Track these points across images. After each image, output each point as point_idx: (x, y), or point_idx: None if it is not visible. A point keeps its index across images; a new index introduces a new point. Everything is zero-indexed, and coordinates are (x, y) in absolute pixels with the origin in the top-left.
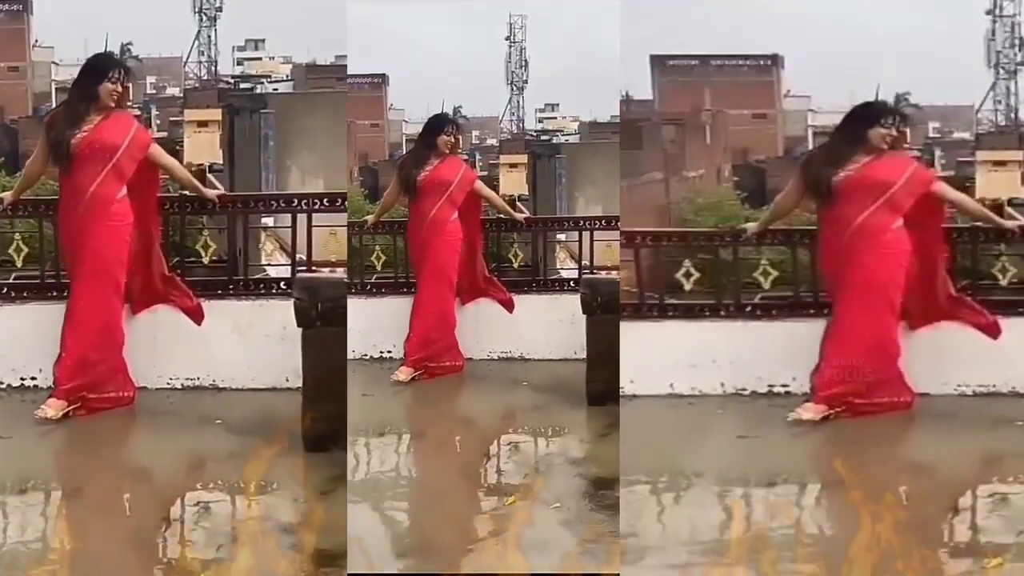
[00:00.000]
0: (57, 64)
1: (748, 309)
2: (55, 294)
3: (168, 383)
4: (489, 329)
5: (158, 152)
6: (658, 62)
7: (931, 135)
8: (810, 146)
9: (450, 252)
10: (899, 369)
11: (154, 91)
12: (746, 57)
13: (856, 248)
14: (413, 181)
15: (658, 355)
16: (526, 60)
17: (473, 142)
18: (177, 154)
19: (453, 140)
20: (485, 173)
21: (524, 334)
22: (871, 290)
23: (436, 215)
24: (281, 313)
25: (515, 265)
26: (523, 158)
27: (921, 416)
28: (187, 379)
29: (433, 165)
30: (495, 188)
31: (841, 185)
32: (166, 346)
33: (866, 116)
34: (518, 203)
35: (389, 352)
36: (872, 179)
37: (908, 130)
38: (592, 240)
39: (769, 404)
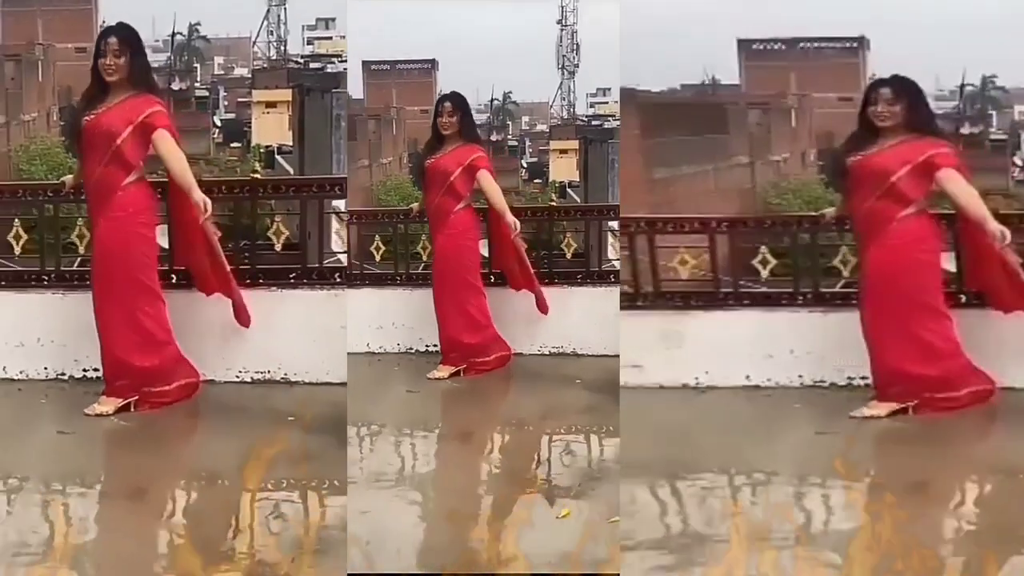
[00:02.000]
0: None
1: (828, 297)
2: None
3: (237, 376)
4: (539, 322)
5: (159, 138)
6: (745, 46)
7: (1017, 118)
8: None
9: (454, 246)
10: (963, 361)
11: (222, 72)
12: (832, 40)
13: (862, 240)
14: (421, 169)
15: (733, 345)
16: (577, 44)
17: (523, 128)
18: (244, 135)
19: (450, 121)
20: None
21: (577, 327)
22: (879, 284)
23: (438, 206)
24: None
25: (568, 255)
26: (574, 144)
27: (1008, 412)
28: (256, 372)
29: (442, 152)
30: (544, 175)
31: (850, 174)
32: (236, 336)
33: (866, 96)
34: (568, 190)
35: (436, 346)
36: (871, 167)
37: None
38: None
39: (849, 397)
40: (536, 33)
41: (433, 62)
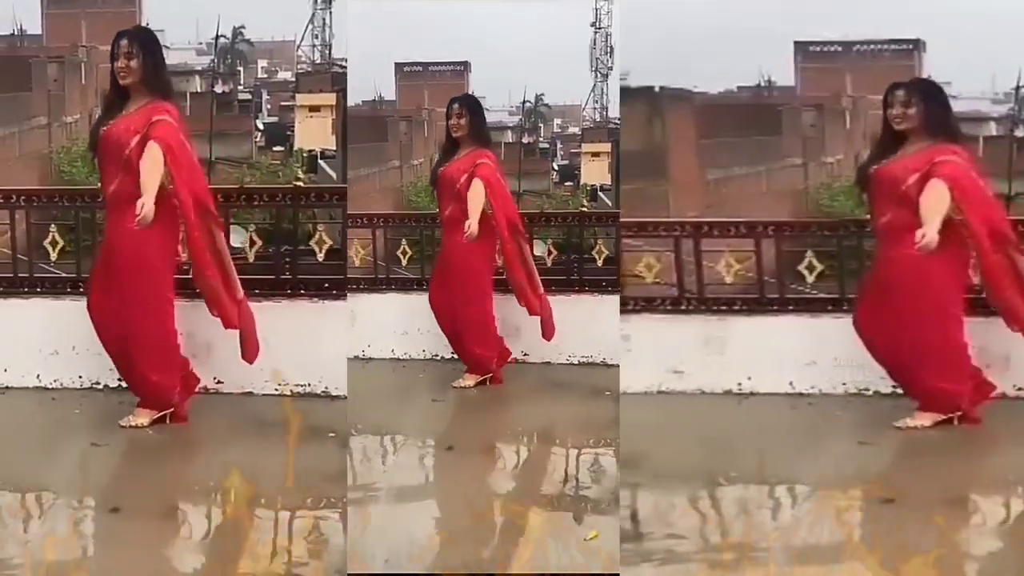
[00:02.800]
0: (168, 48)
1: None
2: None
3: (276, 389)
4: (569, 331)
5: (146, 149)
6: (801, 47)
7: None
8: None
9: (461, 256)
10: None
11: (266, 75)
12: (888, 42)
13: (882, 251)
14: (435, 176)
15: (777, 351)
16: (611, 46)
17: (555, 130)
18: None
19: (459, 123)
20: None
21: (607, 337)
22: (902, 295)
23: (450, 214)
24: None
25: (599, 263)
26: (606, 147)
27: None
28: (296, 384)
29: (453, 159)
30: (575, 178)
31: (870, 183)
32: (277, 348)
33: (884, 99)
34: (600, 193)
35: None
36: (885, 177)
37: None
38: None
39: (894, 405)
40: (569, 35)
41: (466, 64)
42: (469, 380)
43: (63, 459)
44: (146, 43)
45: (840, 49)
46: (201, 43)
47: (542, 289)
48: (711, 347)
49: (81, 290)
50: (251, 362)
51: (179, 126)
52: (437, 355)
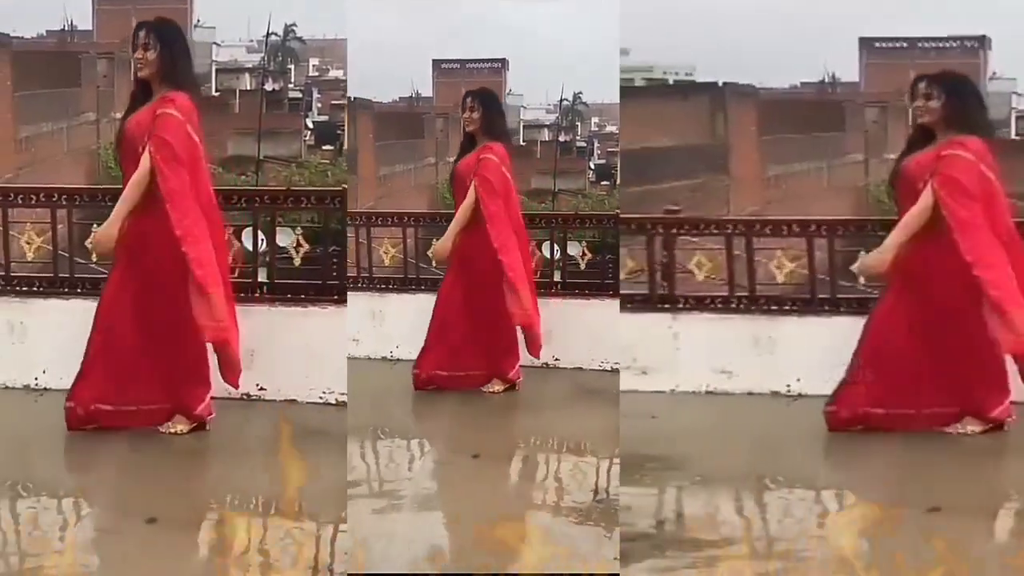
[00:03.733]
0: (218, 45)
1: None
2: None
3: (320, 397)
4: (603, 336)
5: (142, 159)
6: (866, 44)
7: None
8: (1013, 129)
9: (479, 256)
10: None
11: (317, 74)
12: (954, 39)
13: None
14: (451, 173)
15: (827, 352)
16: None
17: (592, 129)
18: None
19: (471, 117)
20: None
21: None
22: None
23: (487, 212)
24: None
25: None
26: None
27: None
28: (341, 394)
29: (468, 155)
30: (612, 177)
31: (898, 180)
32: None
33: (911, 91)
34: None
35: None
36: (905, 174)
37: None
38: None
39: None
40: (608, 33)
41: (503, 61)
42: (498, 385)
43: (102, 466)
44: (164, 34)
45: (905, 45)
46: (252, 40)
47: (534, 301)
48: (760, 347)
49: None
50: (236, 386)
51: (185, 119)
52: None
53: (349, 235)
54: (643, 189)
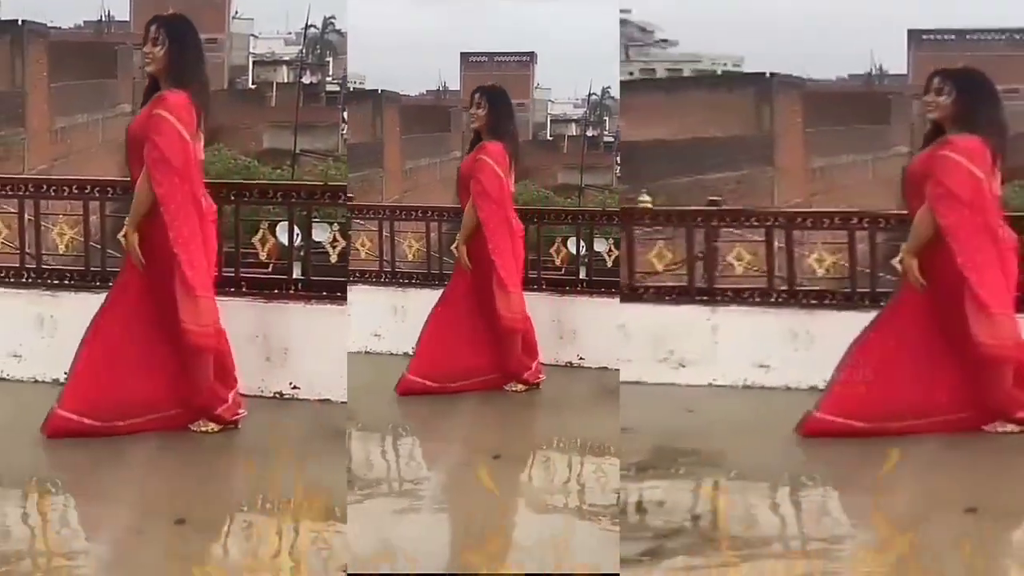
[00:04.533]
0: (256, 37)
1: None
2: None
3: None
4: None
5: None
6: (914, 36)
7: None
8: None
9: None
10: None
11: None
12: (1002, 31)
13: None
14: (457, 171)
15: None
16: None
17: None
18: None
19: (477, 113)
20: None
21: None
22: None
23: (481, 215)
24: None
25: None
26: None
27: None
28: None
29: (470, 153)
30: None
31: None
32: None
33: (926, 84)
34: None
35: None
36: (911, 171)
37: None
38: None
39: None
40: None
41: (531, 55)
42: (520, 385)
43: (130, 463)
44: (174, 30)
45: (954, 38)
46: (290, 33)
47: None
48: (799, 342)
49: None
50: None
51: (176, 119)
52: None
53: (373, 229)
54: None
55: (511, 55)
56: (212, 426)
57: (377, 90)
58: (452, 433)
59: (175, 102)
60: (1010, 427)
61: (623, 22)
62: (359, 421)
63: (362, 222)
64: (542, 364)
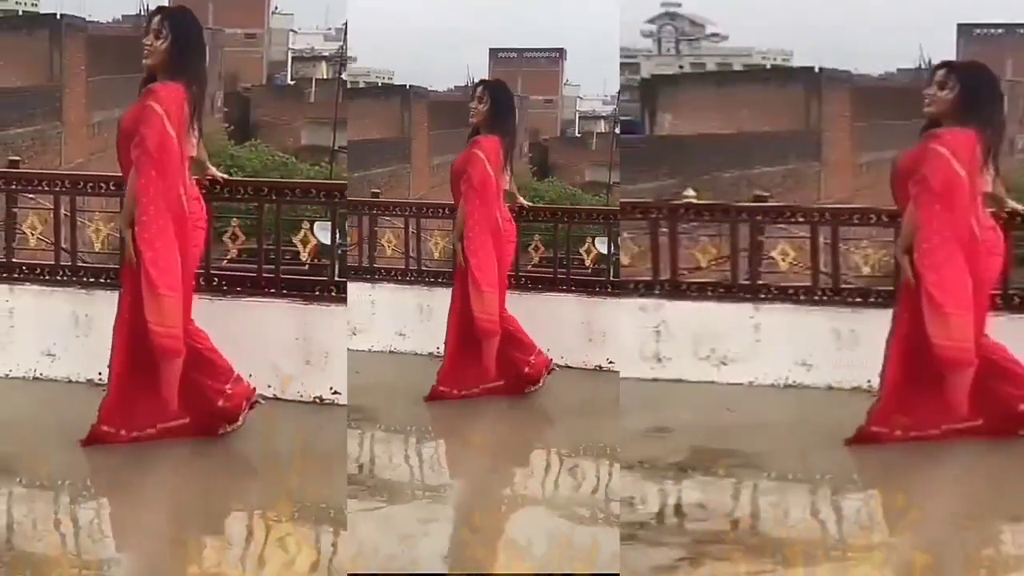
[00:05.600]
0: (295, 32)
1: (1018, 301)
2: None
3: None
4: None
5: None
6: (964, 31)
7: None
8: None
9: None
10: None
11: None
12: None
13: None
14: (451, 167)
15: None
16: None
17: None
18: None
19: (478, 108)
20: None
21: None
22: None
23: (465, 209)
24: None
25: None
26: None
27: None
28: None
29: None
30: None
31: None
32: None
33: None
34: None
35: (563, 357)
36: (896, 168)
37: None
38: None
39: None
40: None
41: (561, 51)
42: (529, 384)
43: (161, 468)
44: (178, 24)
45: (1003, 32)
46: (330, 28)
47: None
48: (842, 341)
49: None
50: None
51: (163, 111)
52: None
53: (399, 226)
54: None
55: (540, 51)
56: (230, 426)
57: (405, 85)
58: (473, 435)
59: (166, 95)
60: None
61: (673, 15)
62: (381, 423)
63: (388, 219)
64: (569, 367)
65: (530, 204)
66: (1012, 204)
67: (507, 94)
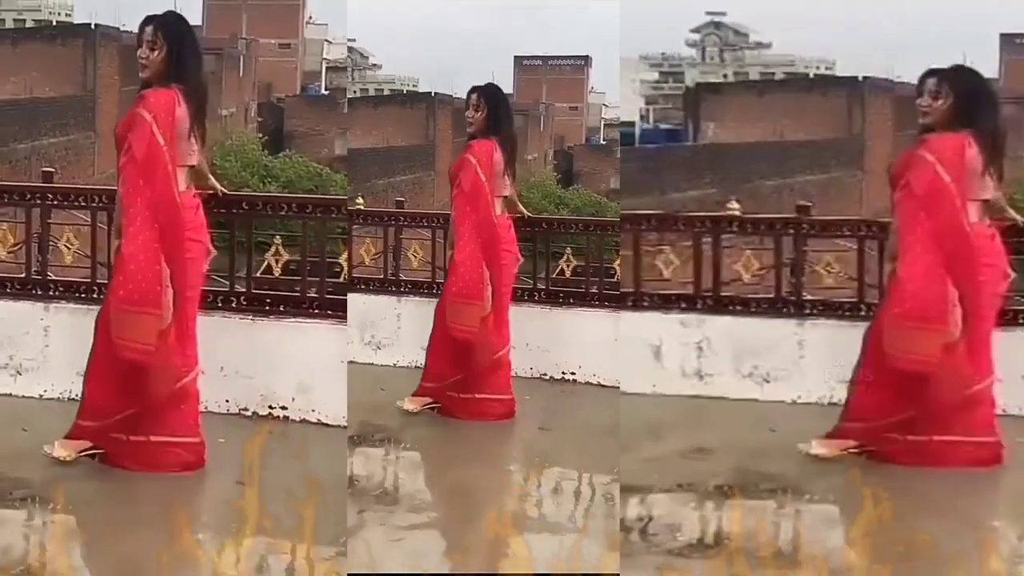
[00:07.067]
0: (330, 42)
1: None
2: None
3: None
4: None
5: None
6: (1007, 40)
7: None
8: None
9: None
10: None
11: None
12: None
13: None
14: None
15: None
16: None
17: None
18: None
19: (474, 116)
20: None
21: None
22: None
23: (454, 216)
24: None
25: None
26: None
27: None
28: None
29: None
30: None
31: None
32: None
33: (918, 85)
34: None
35: (574, 373)
36: (890, 175)
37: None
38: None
39: None
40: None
41: (586, 58)
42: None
43: (206, 500)
44: (172, 32)
45: None
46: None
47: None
48: None
49: (234, 305)
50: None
51: (152, 118)
52: (545, 374)
53: (426, 238)
54: (780, 182)
55: (565, 58)
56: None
57: (430, 92)
58: (475, 449)
59: (155, 100)
60: None
61: (718, 24)
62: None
63: (415, 229)
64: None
65: (530, 215)
66: (1012, 214)
67: (502, 98)
